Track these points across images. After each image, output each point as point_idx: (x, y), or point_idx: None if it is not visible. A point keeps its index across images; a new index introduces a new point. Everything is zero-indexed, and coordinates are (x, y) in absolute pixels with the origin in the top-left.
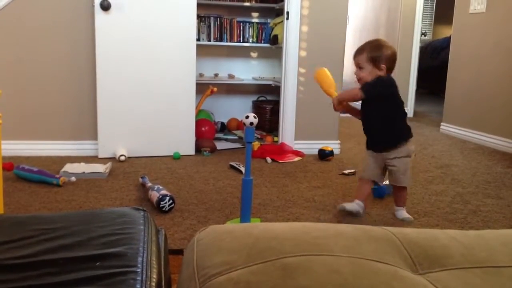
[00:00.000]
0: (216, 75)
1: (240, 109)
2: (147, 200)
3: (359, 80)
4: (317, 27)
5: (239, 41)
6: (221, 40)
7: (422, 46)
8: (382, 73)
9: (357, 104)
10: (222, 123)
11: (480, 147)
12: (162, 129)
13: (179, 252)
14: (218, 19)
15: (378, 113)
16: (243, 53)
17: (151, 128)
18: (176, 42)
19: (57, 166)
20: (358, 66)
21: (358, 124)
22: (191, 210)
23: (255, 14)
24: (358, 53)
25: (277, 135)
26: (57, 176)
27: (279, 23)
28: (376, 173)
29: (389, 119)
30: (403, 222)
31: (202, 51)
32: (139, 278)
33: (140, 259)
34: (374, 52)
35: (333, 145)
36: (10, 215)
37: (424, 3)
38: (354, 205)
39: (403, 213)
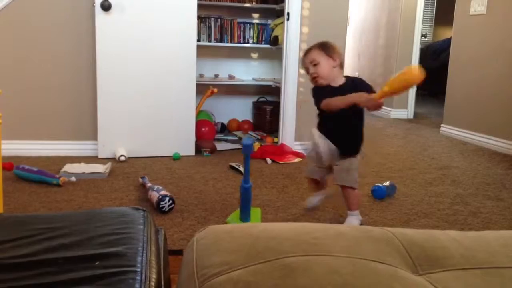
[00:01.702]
0: (216, 75)
1: (240, 110)
2: (147, 201)
3: (315, 78)
4: (318, 28)
5: (239, 42)
6: (221, 41)
7: (422, 47)
8: (336, 64)
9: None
10: (222, 124)
11: (480, 148)
12: (162, 130)
13: (179, 252)
14: (219, 20)
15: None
16: (243, 54)
17: (151, 129)
18: (177, 42)
19: (57, 166)
20: (313, 63)
21: None
22: (191, 211)
23: (255, 15)
24: (308, 52)
25: (277, 136)
26: (57, 176)
27: (279, 24)
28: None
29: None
30: (400, 224)
31: (202, 51)
32: (138, 277)
33: (139, 258)
34: (323, 45)
35: None
36: (9, 214)
37: (425, 4)
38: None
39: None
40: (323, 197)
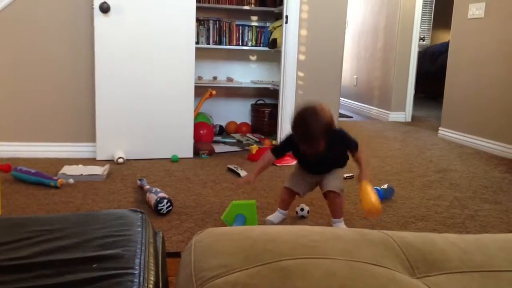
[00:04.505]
0: (215, 78)
1: (238, 112)
2: (145, 203)
3: (306, 154)
4: (316, 31)
5: (238, 45)
6: (220, 43)
7: (420, 51)
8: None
9: None
10: (221, 126)
11: (478, 152)
12: (160, 132)
13: (177, 255)
14: (217, 22)
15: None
16: (242, 56)
17: (150, 131)
18: (175, 45)
19: (55, 168)
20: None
21: (357, 128)
22: (189, 213)
23: (254, 18)
24: (312, 141)
25: (275, 139)
26: (55, 178)
27: (278, 26)
28: (305, 188)
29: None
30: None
31: (201, 54)
32: (136, 280)
33: (137, 261)
34: (325, 129)
35: None
36: (7, 216)
37: (423, 8)
38: (278, 215)
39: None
40: (285, 217)
